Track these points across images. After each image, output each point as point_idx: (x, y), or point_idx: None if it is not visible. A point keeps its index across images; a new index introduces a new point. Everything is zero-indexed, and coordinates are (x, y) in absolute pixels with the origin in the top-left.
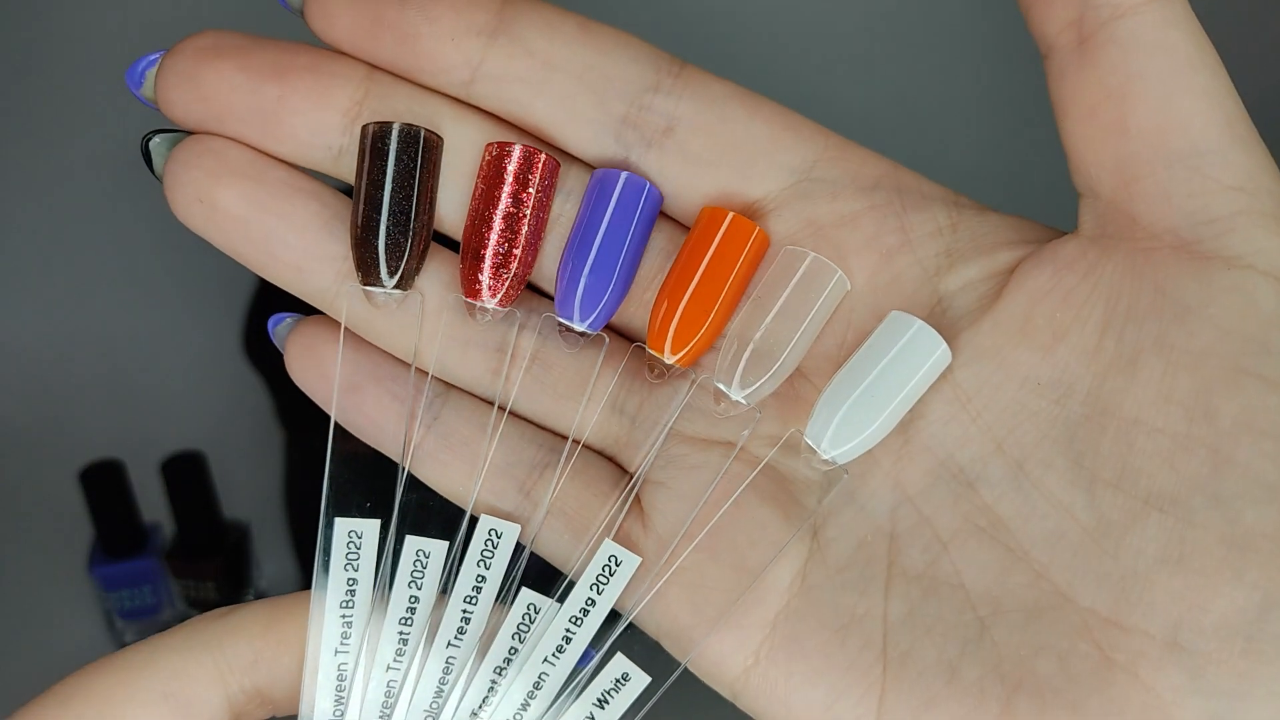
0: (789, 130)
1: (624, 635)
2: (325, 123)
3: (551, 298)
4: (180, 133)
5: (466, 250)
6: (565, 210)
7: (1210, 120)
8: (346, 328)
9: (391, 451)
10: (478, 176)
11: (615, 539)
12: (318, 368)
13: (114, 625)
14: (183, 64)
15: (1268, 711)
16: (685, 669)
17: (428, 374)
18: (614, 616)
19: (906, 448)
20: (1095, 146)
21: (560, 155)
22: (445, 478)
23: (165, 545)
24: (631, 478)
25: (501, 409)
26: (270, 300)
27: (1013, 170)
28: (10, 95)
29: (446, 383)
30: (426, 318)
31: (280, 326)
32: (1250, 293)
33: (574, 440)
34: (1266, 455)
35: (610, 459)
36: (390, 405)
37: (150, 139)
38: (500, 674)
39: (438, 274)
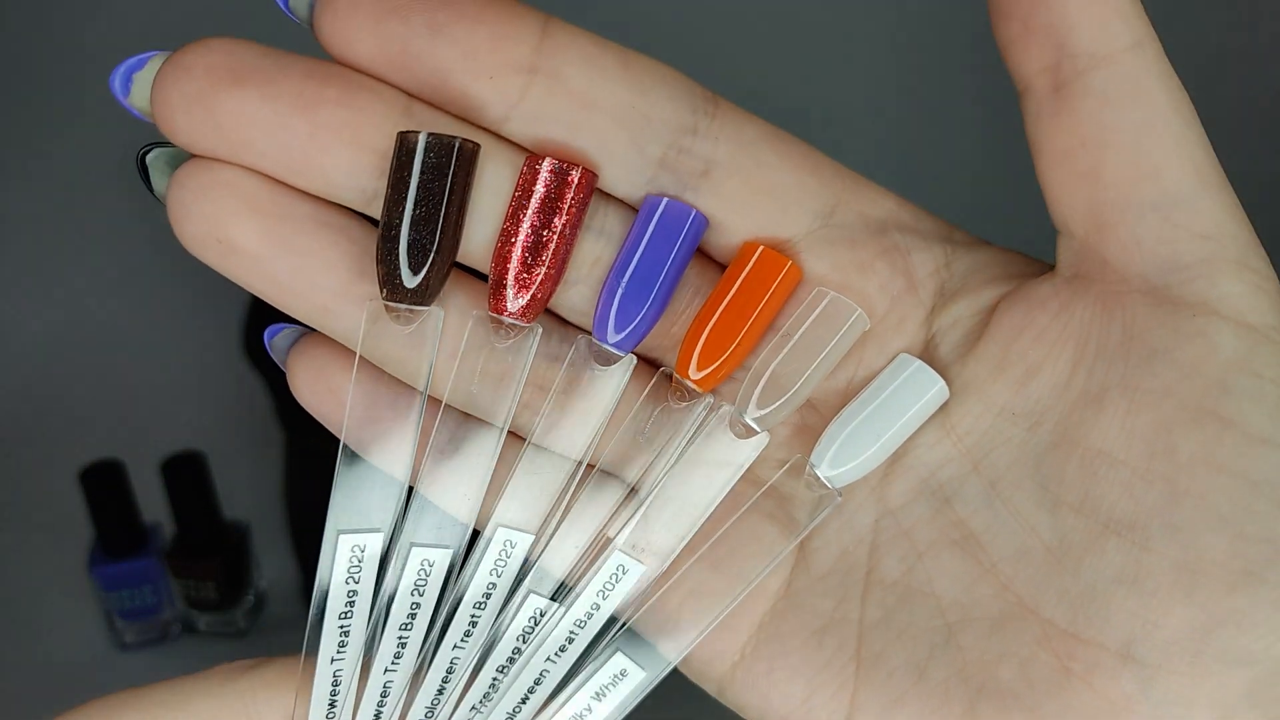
0: (814, 174)
1: (624, 632)
2: (360, 164)
3: (582, 330)
4: (181, 150)
5: (495, 261)
6: (596, 249)
7: (1182, 170)
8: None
9: (417, 484)
10: (514, 189)
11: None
12: (330, 392)
13: (114, 625)
14: (192, 85)
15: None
16: (675, 667)
17: (443, 402)
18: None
19: (893, 466)
20: (1069, 191)
21: (596, 194)
22: (458, 502)
23: (165, 545)
24: (633, 491)
25: (521, 439)
26: None
27: (1013, 193)
28: (11, 95)
29: (466, 414)
30: (457, 352)
31: (278, 338)
32: (1212, 337)
33: (587, 463)
34: (1220, 489)
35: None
36: (406, 436)
37: (147, 153)
38: (502, 673)
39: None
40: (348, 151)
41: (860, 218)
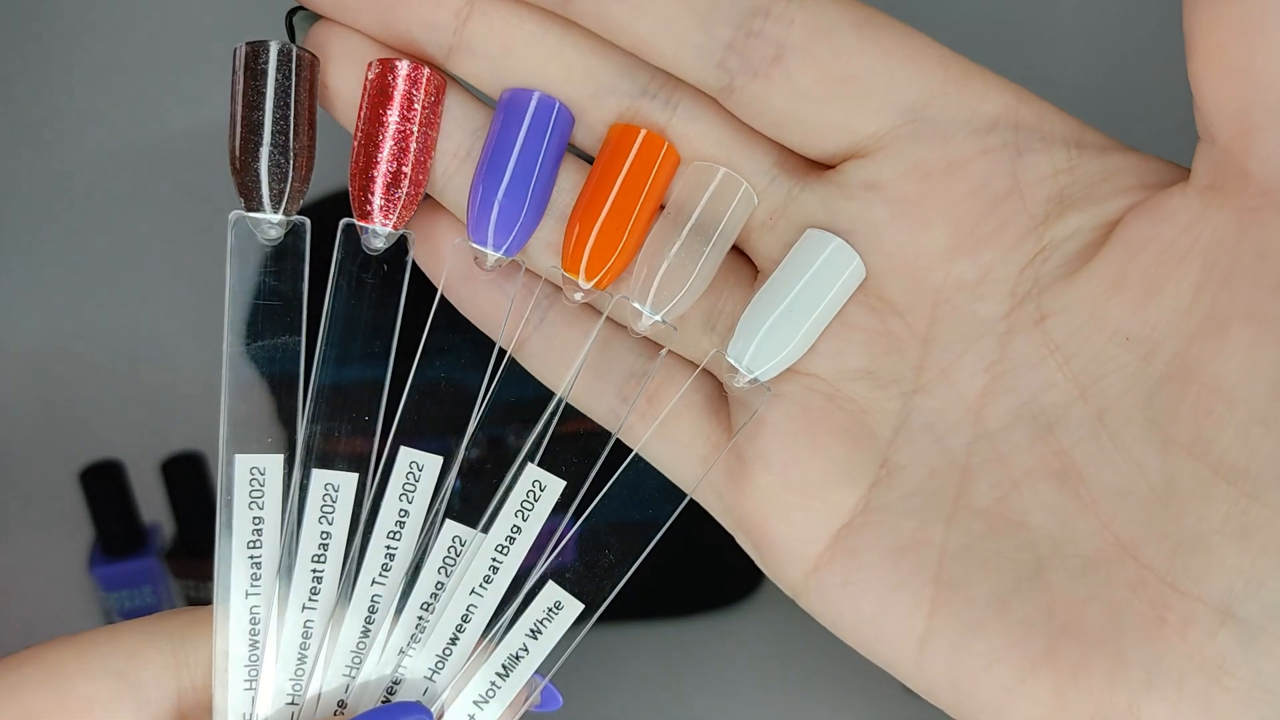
0: (906, 61)
1: (555, 563)
2: (438, 21)
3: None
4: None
5: (355, 172)
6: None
7: None
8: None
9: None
10: (362, 96)
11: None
12: (432, 250)
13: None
14: None
15: None
16: (616, 597)
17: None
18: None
19: (992, 385)
20: (1218, 89)
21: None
22: (548, 373)
23: (165, 545)
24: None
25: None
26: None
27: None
28: (13, 94)
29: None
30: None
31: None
32: None
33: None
34: None
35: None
36: (500, 301)
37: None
38: (428, 610)
39: None
40: (427, 9)
41: (962, 113)
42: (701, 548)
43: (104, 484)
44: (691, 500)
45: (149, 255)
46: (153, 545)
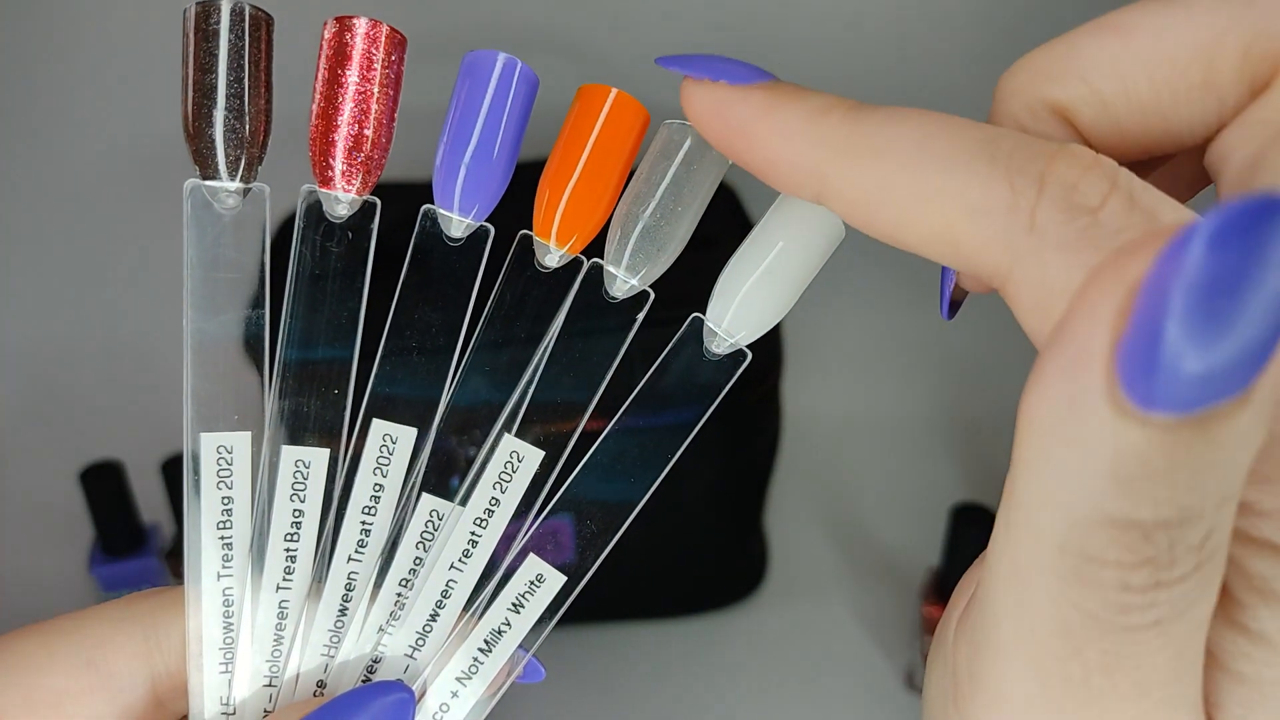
0: None
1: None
2: None
3: None
4: None
5: (315, 136)
6: None
7: None
8: None
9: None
10: (319, 56)
11: None
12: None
13: None
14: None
15: None
16: (599, 568)
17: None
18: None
19: None
20: None
21: None
22: None
23: (165, 545)
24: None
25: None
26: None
27: None
28: (13, 95)
29: None
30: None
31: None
32: None
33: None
34: None
35: None
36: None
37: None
38: (406, 586)
39: None
40: None
41: None
42: (702, 547)
43: (104, 484)
44: (690, 498)
45: (150, 256)
46: (153, 545)
